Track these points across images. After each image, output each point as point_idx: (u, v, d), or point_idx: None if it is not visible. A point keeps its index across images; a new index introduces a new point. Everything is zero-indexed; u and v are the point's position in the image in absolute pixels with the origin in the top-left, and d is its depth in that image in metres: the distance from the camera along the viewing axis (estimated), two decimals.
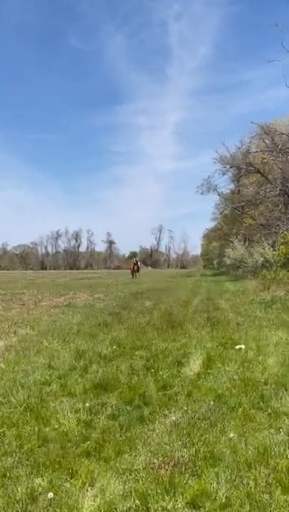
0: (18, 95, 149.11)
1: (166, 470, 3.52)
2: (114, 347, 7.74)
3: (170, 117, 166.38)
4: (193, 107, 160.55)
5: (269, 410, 4.65)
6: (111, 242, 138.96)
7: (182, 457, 3.70)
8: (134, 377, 5.93)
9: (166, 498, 3.18)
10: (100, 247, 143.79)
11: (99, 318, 11.33)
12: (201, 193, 39.67)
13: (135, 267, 42.33)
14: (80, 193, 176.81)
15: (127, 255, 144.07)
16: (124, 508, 3.10)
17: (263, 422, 4.39)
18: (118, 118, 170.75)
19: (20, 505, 3.14)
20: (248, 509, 3.07)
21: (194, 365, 6.43)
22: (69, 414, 4.60)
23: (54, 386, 5.54)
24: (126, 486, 3.35)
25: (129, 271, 43.86)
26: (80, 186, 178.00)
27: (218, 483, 3.34)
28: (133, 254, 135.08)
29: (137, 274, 41.41)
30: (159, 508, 3.09)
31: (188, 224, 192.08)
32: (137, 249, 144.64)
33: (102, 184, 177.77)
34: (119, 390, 5.36)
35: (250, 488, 3.29)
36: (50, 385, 5.61)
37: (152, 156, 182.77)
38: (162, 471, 3.50)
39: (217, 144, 38.33)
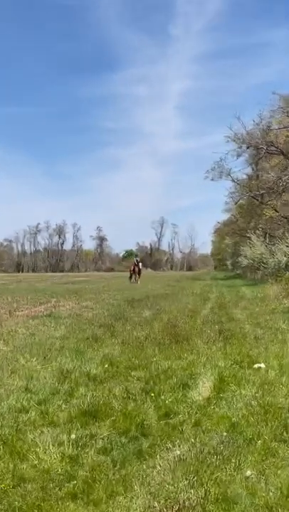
0: None
1: None
2: (105, 366, 7.74)
3: (173, 87, 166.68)
4: (202, 74, 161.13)
5: None
6: (102, 239, 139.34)
7: (189, 500, 3.70)
8: (131, 402, 5.93)
9: None
10: (89, 244, 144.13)
11: (87, 331, 11.32)
12: (212, 179, 39.58)
13: (136, 269, 41.36)
14: (64, 179, 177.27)
15: (121, 255, 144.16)
16: None
17: (287, 457, 4.39)
18: (110, 88, 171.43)
19: None
20: None
21: (203, 388, 6.44)
22: (51, 447, 4.60)
23: (33, 414, 5.54)
24: None
25: (128, 273, 43.36)
26: (64, 171, 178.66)
27: None
28: (129, 254, 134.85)
29: (138, 277, 40.25)
30: None
31: (195, 216, 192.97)
32: (134, 248, 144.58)
33: (91, 168, 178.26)
34: (112, 418, 5.37)
35: None
36: (27, 412, 5.60)
37: (152, 134, 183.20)
38: None
39: (231, 119, 38.14)
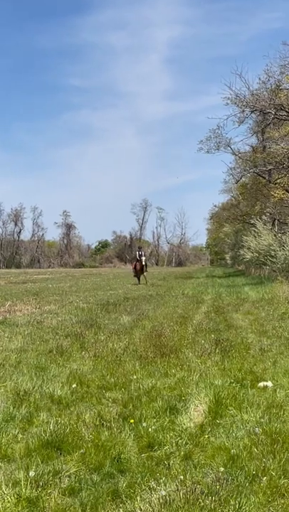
0: None
1: None
2: (73, 386, 7.74)
3: (159, 35, 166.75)
4: (195, 19, 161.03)
5: None
6: (69, 227, 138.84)
7: None
8: (104, 431, 5.93)
9: None
10: (53, 233, 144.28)
11: (50, 343, 11.30)
12: (207, 152, 39.73)
13: (137, 265, 37.97)
14: (21, 151, 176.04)
15: (94, 246, 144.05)
16: None
17: None
18: (79, 36, 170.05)
19: None
20: None
21: (196, 413, 6.47)
22: (4, 488, 4.57)
23: None
24: None
25: (102, 270, 42.26)
26: (21, 141, 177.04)
27: None
28: (103, 245, 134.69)
29: (144, 275, 37.25)
30: None
31: (187, 199, 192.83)
32: (110, 238, 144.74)
33: (56, 138, 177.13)
34: (81, 450, 5.36)
35: None
36: None
37: (133, 95, 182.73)
38: None
39: (230, 75, 38.15)
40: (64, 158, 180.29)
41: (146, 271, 38.03)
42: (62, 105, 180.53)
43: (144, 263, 37.60)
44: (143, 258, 38.00)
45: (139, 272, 37.61)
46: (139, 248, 42.23)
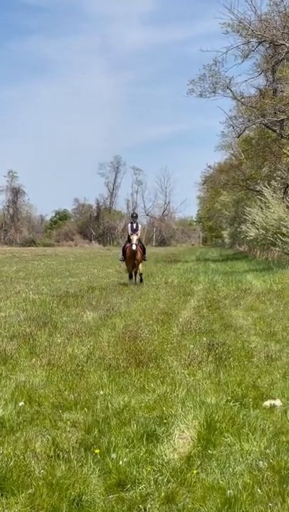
0: None
1: None
2: (20, 404, 7.73)
3: None
4: None
5: None
6: (17, 192, 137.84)
7: None
8: (61, 464, 5.91)
9: None
10: None
11: None
12: (200, 95, 39.82)
13: (127, 249, 27.06)
14: None
15: (49, 218, 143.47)
16: None
17: None
18: None
19: None
20: None
21: (181, 441, 6.48)
22: None
23: None
24: None
25: (59, 249, 38.98)
26: None
27: None
28: (62, 217, 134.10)
29: (138, 268, 27.22)
30: None
31: (172, 157, 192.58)
32: (70, 207, 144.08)
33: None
34: (30, 490, 5.34)
35: None
36: None
37: (101, 18, 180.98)
38: None
39: None
40: (10, 101, 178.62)
41: (143, 259, 28.19)
42: (9, 30, 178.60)
43: (134, 247, 26.48)
44: (134, 237, 26.91)
45: (129, 260, 27.46)
46: (133, 217, 29.83)
